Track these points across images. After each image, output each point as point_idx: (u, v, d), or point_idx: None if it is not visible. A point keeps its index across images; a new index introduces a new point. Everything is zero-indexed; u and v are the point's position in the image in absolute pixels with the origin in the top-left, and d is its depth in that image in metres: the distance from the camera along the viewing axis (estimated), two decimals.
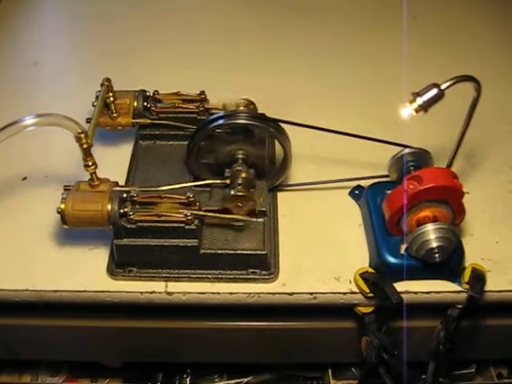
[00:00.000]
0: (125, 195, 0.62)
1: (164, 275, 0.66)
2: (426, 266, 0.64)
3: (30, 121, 0.56)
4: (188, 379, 0.92)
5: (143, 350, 0.80)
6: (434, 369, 0.70)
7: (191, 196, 0.63)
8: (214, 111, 0.75)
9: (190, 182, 0.70)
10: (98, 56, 0.98)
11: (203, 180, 0.70)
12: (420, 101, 0.57)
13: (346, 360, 0.84)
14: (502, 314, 0.72)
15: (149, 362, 0.89)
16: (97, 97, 0.73)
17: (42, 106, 0.88)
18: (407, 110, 0.58)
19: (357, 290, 0.66)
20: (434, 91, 0.56)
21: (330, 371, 0.88)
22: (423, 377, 0.72)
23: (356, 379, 0.86)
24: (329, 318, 0.73)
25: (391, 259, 0.65)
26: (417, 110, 0.57)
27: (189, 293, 0.65)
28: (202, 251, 0.64)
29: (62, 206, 0.61)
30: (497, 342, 0.78)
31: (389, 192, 0.69)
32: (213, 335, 0.76)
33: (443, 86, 0.57)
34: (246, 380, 0.91)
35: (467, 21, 1.09)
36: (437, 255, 0.62)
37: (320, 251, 0.70)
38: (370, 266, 0.67)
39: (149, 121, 0.76)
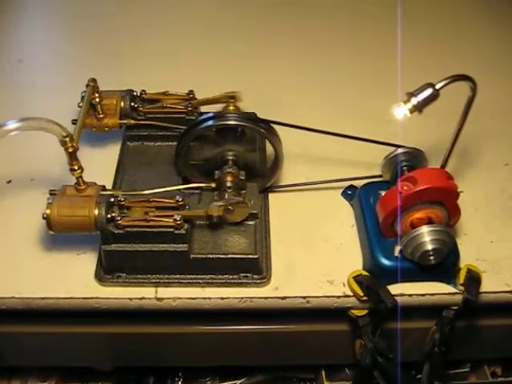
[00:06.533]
0: (112, 200, 0.61)
1: (154, 281, 0.64)
2: (420, 268, 0.63)
3: (12, 125, 0.54)
4: (180, 382, 0.91)
5: (134, 354, 0.79)
6: (429, 371, 0.70)
7: (180, 200, 0.61)
8: (203, 111, 0.73)
9: (179, 183, 0.69)
10: (84, 55, 0.96)
11: (192, 181, 0.69)
12: (414, 101, 0.55)
13: (339, 362, 0.83)
14: (497, 313, 0.72)
15: (140, 366, 0.88)
16: (82, 97, 0.71)
17: (27, 104, 0.87)
18: (401, 111, 0.56)
19: (351, 294, 0.65)
20: (429, 91, 0.55)
21: (323, 372, 0.87)
22: (418, 376, 0.72)
23: (350, 380, 0.85)
24: (322, 321, 0.72)
25: (385, 262, 0.64)
26: (411, 111, 0.56)
27: (179, 298, 0.64)
28: (192, 256, 0.63)
29: (48, 212, 0.59)
30: (491, 341, 0.77)
31: (382, 192, 0.68)
32: (205, 339, 0.74)
33: (438, 86, 0.55)
34: (238, 382, 0.90)
35: (461, 16, 1.08)
36: (432, 258, 0.61)
37: (313, 253, 0.68)
38: (364, 268, 0.66)
39: (136, 121, 0.74)
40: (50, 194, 0.61)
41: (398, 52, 0.90)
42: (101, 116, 0.73)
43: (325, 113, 0.83)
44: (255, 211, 0.67)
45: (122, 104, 0.74)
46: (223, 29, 1.02)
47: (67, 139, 0.58)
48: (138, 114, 0.74)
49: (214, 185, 0.67)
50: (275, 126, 0.67)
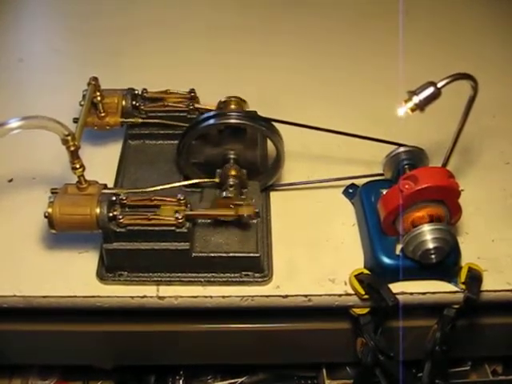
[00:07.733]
0: (114, 198, 0.61)
1: (155, 279, 0.64)
2: (421, 267, 0.63)
3: (14, 124, 0.54)
4: (181, 381, 0.90)
5: (135, 353, 0.79)
6: (430, 369, 0.70)
7: (182, 198, 0.61)
8: (204, 110, 0.73)
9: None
10: (84, 54, 0.96)
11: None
12: (416, 100, 0.55)
13: (340, 360, 0.83)
14: (498, 312, 0.72)
15: (141, 364, 0.88)
16: (84, 96, 0.71)
17: (29, 104, 0.86)
18: (403, 109, 0.56)
19: (352, 292, 0.65)
20: (431, 90, 0.55)
21: (324, 371, 0.87)
22: (420, 375, 0.72)
23: (351, 378, 0.85)
24: (323, 319, 0.72)
25: (386, 260, 0.64)
26: (413, 109, 0.56)
27: (181, 297, 0.64)
28: (193, 254, 0.63)
29: (50, 210, 0.59)
30: (492, 339, 0.77)
31: (383, 191, 0.68)
32: (206, 338, 0.74)
33: (440, 85, 0.55)
34: (240, 380, 0.90)
35: (462, 14, 1.08)
36: (433, 256, 0.61)
37: (314, 252, 0.68)
38: (365, 266, 0.66)
39: (138, 120, 0.74)
40: (52, 193, 0.61)
41: (399, 51, 0.90)
42: (102, 114, 0.73)
43: (326, 111, 0.83)
44: (257, 210, 0.66)
45: (124, 102, 0.74)
46: (224, 28, 1.02)
47: (69, 138, 0.58)
48: (139, 113, 0.74)
49: (214, 180, 0.67)
50: (276, 125, 0.67)
